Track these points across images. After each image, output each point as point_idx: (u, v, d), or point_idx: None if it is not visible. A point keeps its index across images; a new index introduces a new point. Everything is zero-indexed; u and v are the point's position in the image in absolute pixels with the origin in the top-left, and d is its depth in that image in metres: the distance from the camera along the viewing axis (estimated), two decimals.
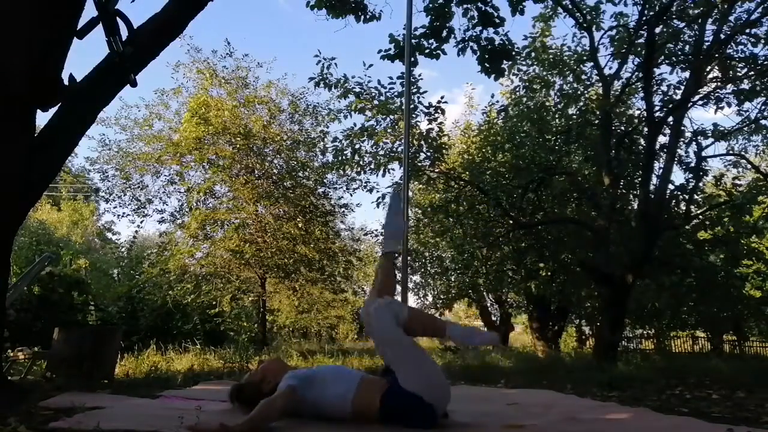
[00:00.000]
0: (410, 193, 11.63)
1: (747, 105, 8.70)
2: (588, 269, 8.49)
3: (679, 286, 9.92)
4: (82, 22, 3.50)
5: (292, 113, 13.00)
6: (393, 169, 9.27)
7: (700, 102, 8.72)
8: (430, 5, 7.01)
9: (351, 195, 21.46)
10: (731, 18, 8.10)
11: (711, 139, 9.05)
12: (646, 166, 8.08)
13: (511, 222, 9.43)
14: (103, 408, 2.77)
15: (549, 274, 11.19)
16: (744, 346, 16.01)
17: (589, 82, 9.87)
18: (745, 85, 8.51)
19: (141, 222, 19.65)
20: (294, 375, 2.54)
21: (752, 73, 8.23)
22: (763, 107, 8.72)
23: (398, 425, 2.38)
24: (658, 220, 7.76)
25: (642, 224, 7.73)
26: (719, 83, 8.60)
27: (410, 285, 14.38)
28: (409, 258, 4.79)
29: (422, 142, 8.98)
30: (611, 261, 7.76)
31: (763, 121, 9.12)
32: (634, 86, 9.21)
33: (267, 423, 2.35)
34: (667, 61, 8.64)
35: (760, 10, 7.73)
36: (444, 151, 9.29)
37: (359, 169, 9.47)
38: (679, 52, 8.61)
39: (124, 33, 3.56)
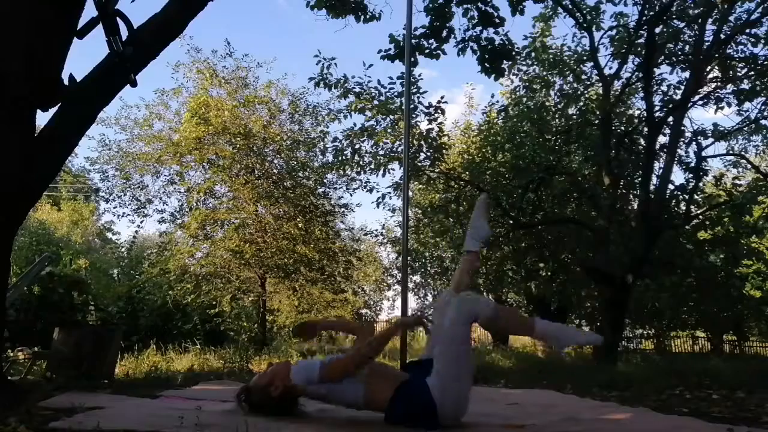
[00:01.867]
0: (410, 193, 11.64)
1: (747, 105, 8.74)
2: (588, 269, 8.49)
3: (679, 286, 9.92)
4: (82, 22, 3.50)
5: (292, 113, 12.99)
6: (393, 169, 9.29)
7: (700, 102, 8.73)
8: (430, 5, 7.01)
9: (351, 195, 21.48)
10: (731, 18, 8.12)
11: (711, 139, 9.06)
12: (646, 166, 8.09)
13: (511, 222, 9.43)
14: (103, 408, 2.77)
15: (549, 274, 11.19)
16: (744, 346, 16.02)
17: (589, 82, 9.88)
18: (745, 85, 8.53)
19: (141, 222, 19.63)
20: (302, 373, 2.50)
21: (752, 73, 8.23)
22: (763, 107, 8.74)
23: (401, 422, 2.36)
24: (658, 220, 7.76)
25: (642, 224, 7.74)
26: (719, 83, 8.61)
27: (410, 285, 14.39)
28: (409, 258, 4.79)
29: (422, 142, 8.98)
30: (611, 261, 7.76)
31: (763, 121, 9.14)
32: (634, 86, 9.21)
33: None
34: (667, 61, 8.65)
35: (760, 10, 7.74)
36: (444, 151, 9.30)
37: (359, 169, 9.48)
38: (679, 52, 8.62)
39: (124, 33, 3.56)
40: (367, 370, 2.46)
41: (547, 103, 10.21)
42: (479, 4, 6.90)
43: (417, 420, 2.32)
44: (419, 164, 9.11)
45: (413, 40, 6.78)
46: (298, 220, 12.47)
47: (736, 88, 8.59)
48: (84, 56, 4.30)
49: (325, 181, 13.10)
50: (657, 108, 8.36)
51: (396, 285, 17.47)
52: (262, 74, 19.42)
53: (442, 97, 9.62)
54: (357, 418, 2.54)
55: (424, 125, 9.04)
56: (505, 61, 7.50)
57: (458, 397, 2.34)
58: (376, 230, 15.99)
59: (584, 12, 8.46)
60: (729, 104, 8.71)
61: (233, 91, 12.36)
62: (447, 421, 2.35)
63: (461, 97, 60.10)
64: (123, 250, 18.12)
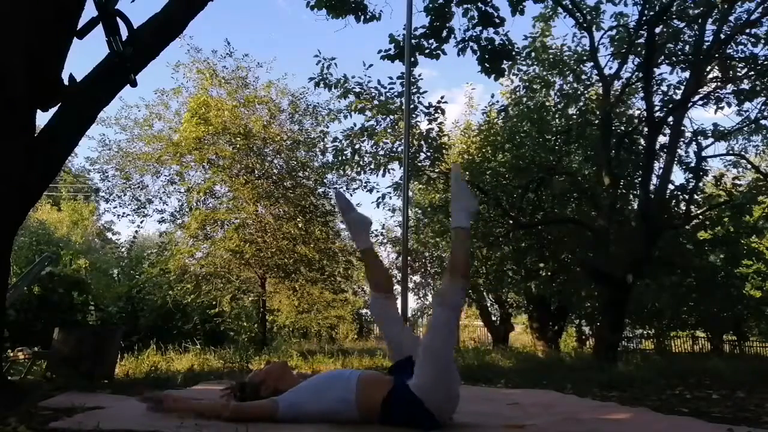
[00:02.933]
0: (410, 193, 11.64)
1: (747, 105, 8.72)
2: (588, 269, 8.48)
3: (679, 286, 9.92)
4: (82, 22, 3.50)
5: (292, 113, 12.99)
6: (393, 169, 9.30)
7: (700, 102, 8.72)
8: (430, 5, 7.02)
9: (351, 195, 21.40)
10: (731, 18, 8.12)
11: (711, 139, 9.05)
12: (646, 166, 8.08)
13: (511, 222, 9.43)
14: (103, 408, 2.77)
15: (549, 274, 11.19)
16: (744, 346, 16.00)
17: (589, 82, 9.88)
18: (745, 85, 8.52)
19: (141, 222, 19.67)
20: (283, 398, 2.47)
21: (752, 73, 8.23)
22: (763, 107, 8.73)
23: (399, 426, 2.35)
24: (658, 220, 7.75)
25: (642, 224, 7.73)
26: (719, 83, 8.60)
27: (410, 285, 14.39)
28: (409, 258, 4.80)
29: (422, 142, 8.99)
30: (611, 261, 7.76)
31: (763, 121, 9.13)
32: (634, 86, 9.20)
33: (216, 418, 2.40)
34: (667, 61, 8.64)
35: (760, 10, 7.73)
36: (444, 151, 9.30)
37: (359, 169, 9.48)
38: (679, 52, 8.61)
39: (124, 33, 3.56)
40: (359, 380, 2.45)
41: (547, 103, 10.20)
42: (479, 4, 6.91)
43: (415, 422, 2.32)
44: (419, 164, 9.11)
45: (413, 40, 6.78)
46: (298, 220, 12.47)
47: (736, 88, 8.58)
48: (84, 56, 4.30)
49: (325, 181, 13.10)
50: (657, 108, 8.36)
51: (396, 285, 17.45)
52: (262, 74, 19.40)
53: (442, 97, 9.63)
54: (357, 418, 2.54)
55: (424, 125, 9.06)
56: (505, 61, 7.50)
57: (445, 387, 2.33)
58: (376, 230, 15.98)
59: (584, 12, 8.45)
60: (729, 104, 8.70)
61: (233, 91, 12.36)
62: (444, 415, 2.34)
63: (461, 97, 60.14)
64: (123, 250, 18.13)
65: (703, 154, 8.67)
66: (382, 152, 9.20)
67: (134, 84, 3.83)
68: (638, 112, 10.09)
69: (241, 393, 2.63)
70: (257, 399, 2.52)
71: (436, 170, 9.40)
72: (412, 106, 8.29)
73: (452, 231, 2.48)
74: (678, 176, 31.59)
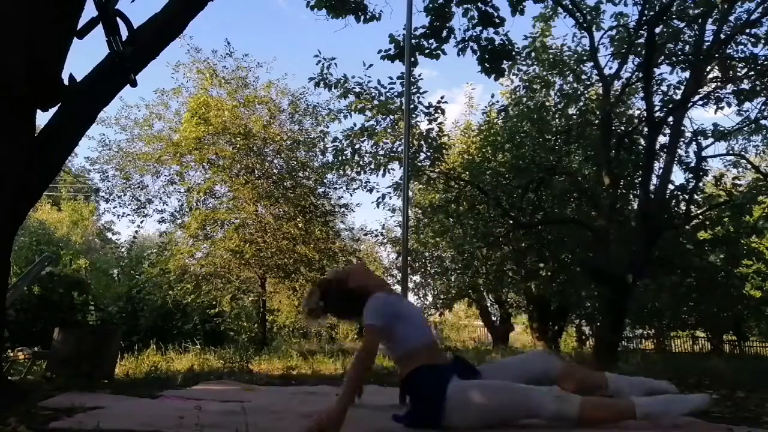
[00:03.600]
0: (410, 193, 11.64)
1: (747, 105, 8.69)
2: (588, 269, 8.48)
3: (679, 286, 9.91)
4: (82, 22, 3.50)
5: (292, 113, 13.00)
6: (393, 169, 9.29)
7: (700, 102, 8.70)
8: (430, 5, 7.01)
9: (351, 195, 21.45)
10: (731, 18, 8.10)
11: (711, 139, 9.04)
12: (646, 166, 8.07)
13: (511, 222, 9.43)
14: (103, 408, 2.77)
15: (549, 274, 11.19)
16: (744, 346, 16.01)
17: (589, 82, 9.86)
18: (745, 85, 8.51)
19: (141, 222, 19.66)
20: (377, 313, 2.40)
21: (752, 73, 8.22)
22: (763, 107, 8.72)
23: (410, 398, 2.41)
24: (658, 220, 7.75)
25: (642, 224, 7.72)
26: (719, 83, 8.59)
27: (410, 285, 14.38)
28: (409, 258, 4.79)
29: (422, 142, 8.98)
30: (611, 261, 7.75)
31: (763, 121, 9.12)
32: (634, 86, 9.19)
33: (359, 381, 2.42)
34: (667, 61, 8.63)
35: (760, 10, 7.73)
36: (444, 151, 9.29)
37: (359, 169, 9.47)
38: (679, 52, 8.60)
39: (124, 33, 3.56)
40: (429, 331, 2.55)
41: (547, 103, 10.19)
42: (479, 4, 6.90)
43: (420, 408, 2.32)
44: (419, 164, 9.10)
45: (413, 40, 6.78)
46: (298, 220, 12.48)
47: (736, 88, 8.57)
48: (84, 56, 4.31)
49: (325, 181, 13.11)
50: (657, 108, 8.34)
51: (396, 285, 17.48)
52: (262, 74, 19.39)
53: (442, 97, 9.64)
54: (362, 418, 2.54)
55: (424, 125, 9.05)
56: (505, 61, 7.50)
57: (473, 410, 2.26)
58: (376, 230, 15.99)
59: (584, 12, 8.44)
60: (729, 104, 8.68)
61: (233, 91, 12.37)
62: (453, 423, 2.27)
63: (461, 97, 60.17)
64: (123, 250, 18.11)
65: (703, 154, 8.65)
66: (382, 152, 9.20)
67: (134, 84, 3.84)
68: (638, 112, 10.08)
69: (327, 291, 2.64)
70: (346, 294, 2.56)
71: (436, 170, 9.40)
72: (412, 106, 8.29)
73: (634, 406, 2.22)
74: (678, 176, 31.57)
